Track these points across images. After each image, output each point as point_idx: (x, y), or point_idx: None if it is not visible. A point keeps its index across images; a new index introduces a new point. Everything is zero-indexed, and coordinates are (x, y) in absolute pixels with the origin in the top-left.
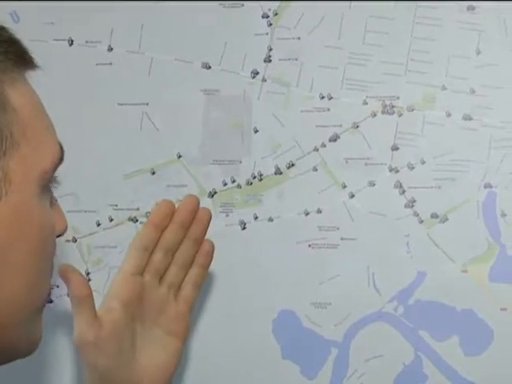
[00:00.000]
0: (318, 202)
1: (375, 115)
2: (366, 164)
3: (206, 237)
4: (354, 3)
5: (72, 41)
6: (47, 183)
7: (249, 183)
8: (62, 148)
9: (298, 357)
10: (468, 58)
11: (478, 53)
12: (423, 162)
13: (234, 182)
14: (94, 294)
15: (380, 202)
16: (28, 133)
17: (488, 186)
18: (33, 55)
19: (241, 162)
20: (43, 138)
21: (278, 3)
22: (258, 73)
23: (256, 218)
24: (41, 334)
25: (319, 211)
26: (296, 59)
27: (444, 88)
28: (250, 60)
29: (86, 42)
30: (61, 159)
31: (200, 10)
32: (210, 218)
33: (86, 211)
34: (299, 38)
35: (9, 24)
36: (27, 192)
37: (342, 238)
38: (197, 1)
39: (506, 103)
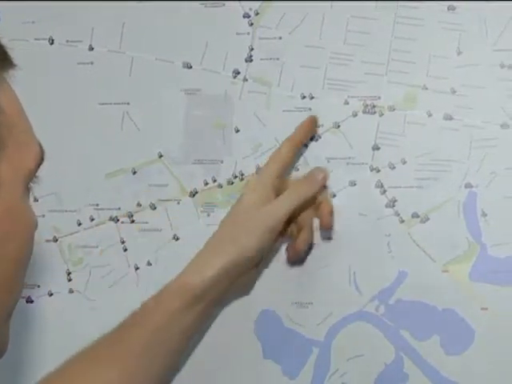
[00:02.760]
0: None
1: (356, 115)
2: (347, 164)
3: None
4: (335, 3)
5: (53, 40)
6: (29, 182)
7: (230, 183)
8: (41, 147)
9: (279, 356)
10: (449, 57)
11: (459, 53)
12: (404, 162)
13: (215, 181)
14: (74, 293)
15: (361, 201)
16: (14, 133)
17: (469, 185)
18: (13, 54)
19: (222, 162)
20: (27, 138)
21: (259, 3)
22: (239, 72)
23: None
24: (9, 336)
25: None
26: (277, 59)
27: (425, 88)
28: (232, 60)
29: (67, 41)
30: (42, 158)
31: (181, 9)
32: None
33: (66, 211)
34: (280, 38)
35: None
36: (15, 192)
37: (322, 238)
38: (178, 0)
39: (487, 103)
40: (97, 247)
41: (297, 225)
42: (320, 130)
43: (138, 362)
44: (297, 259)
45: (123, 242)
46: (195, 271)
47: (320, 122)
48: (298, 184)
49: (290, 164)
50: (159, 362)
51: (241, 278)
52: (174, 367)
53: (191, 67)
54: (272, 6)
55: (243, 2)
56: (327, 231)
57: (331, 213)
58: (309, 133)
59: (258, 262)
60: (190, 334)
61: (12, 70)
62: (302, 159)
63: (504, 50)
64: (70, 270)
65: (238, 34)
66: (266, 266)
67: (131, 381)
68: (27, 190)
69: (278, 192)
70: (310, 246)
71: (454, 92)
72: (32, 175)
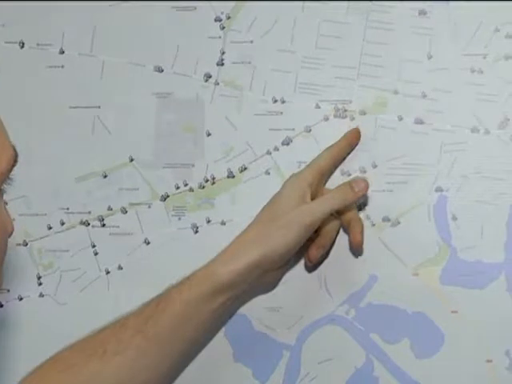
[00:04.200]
0: None
1: (328, 119)
2: None
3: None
4: (306, 7)
5: (23, 43)
6: (2, 184)
7: (201, 187)
8: (15, 150)
9: (250, 360)
10: (420, 62)
11: (430, 57)
12: (375, 166)
13: (186, 185)
14: (45, 297)
15: None
16: None
17: (439, 189)
18: None
19: (193, 166)
20: (0, 140)
21: (230, 7)
22: (210, 76)
23: (208, 221)
24: None
25: None
26: (249, 63)
27: (396, 92)
28: (203, 63)
29: (38, 44)
30: (16, 161)
31: (153, 13)
32: None
33: (37, 214)
34: (252, 42)
35: None
36: None
37: None
38: (149, 1)
39: (457, 107)
40: (67, 251)
41: (320, 231)
42: (291, 134)
43: (154, 346)
44: (310, 265)
45: (94, 246)
46: (225, 262)
47: (291, 126)
48: (341, 189)
49: (328, 173)
50: (171, 348)
51: (267, 275)
52: (185, 359)
53: (162, 71)
54: (243, 9)
55: (215, 6)
56: (357, 248)
57: (362, 231)
58: (351, 145)
59: (286, 261)
60: (206, 326)
61: None
62: (272, 163)
63: (474, 54)
64: (41, 274)
65: (209, 37)
66: (292, 266)
67: (141, 365)
68: (0, 192)
69: (315, 197)
70: (326, 254)
71: (424, 96)
72: (5, 177)
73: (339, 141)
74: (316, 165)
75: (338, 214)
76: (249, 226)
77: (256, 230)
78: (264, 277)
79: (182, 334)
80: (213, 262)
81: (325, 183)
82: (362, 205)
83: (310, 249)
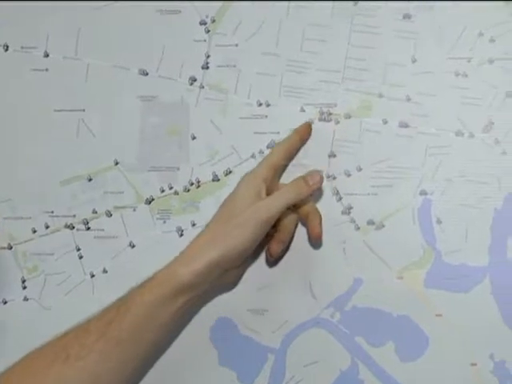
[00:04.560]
0: None
1: (312, 122)
2: (303, 171)
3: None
4: (291, 9)
5: (7, 46)
6: None
7: (186, 190)
8: None
9: (234, 363)
10: (404, 65)
11: (414, 61)
12: (360, 169)
13: (171, 188)
14: (29, 301)
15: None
16: None
17: (423, 192)
18: None
19: (178, 169)
20: None
21: (215, 10)
22: (195, 79)
23: (193, 224)
24: None
25: None
26: (234, 66)
27: (381, 95)
28: (188, 67)
29: (22, 47)
30: None
31: (137, 16)
32: None
33: (21, 218)
34: (237, 45)
35: None
36: None
37: None
38: (134, 1)
39: (442, 111)
40: (52, 254)
41: (279, 226)
42: (276, 138)
43: (117, 349)
44: (272, 260)
45: (79, 250)
46: (185, 262)
47: (276, 130)
48: (296, 183)
49: (282, 168)
50: (134, 350)
51: (227, 273)
52: (147, 362)
53: (147, 74)
54: (228, 13)
55: (200, 9)
56: (316, 240)
57: (321, 223)
58: (302, 139)
59: (246, 259)
60: (168, 327)
61: None
62: None
63: (458, 58)
64: (25, 278)
65: (194, 40)
66: (250, 264)
67: (105, 369)
68: None
69: (271, 192)
70: (286, 249)
71: (409, 100)
72: None
73: (291, 135)
74: (269, 160)
75: (294, 207)
76: (206, 226)
77: (213, 229)
78: (224, 276)
79: (144, 336)
80: (173, 263)
81: (279, 178)
82: (347, 208)
83: (270, 244)
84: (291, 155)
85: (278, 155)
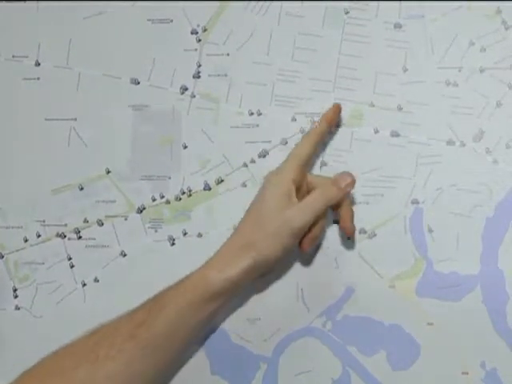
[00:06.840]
0: None
1: (304, 131)
2: None
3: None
4: (282, 18)
5: None
6: None
7: (178, 199)
8: None
9: (226, 372)
10: (395, 75)
11: (405, 70)
12: None
13: (162, 197)
14: (21, 310)
15: None
16: None
17: (415, 201)
18: None
19: (170, 178)
20: None
21: (206, 19)
22: (187, 89)
23: (185, 233)
24: None
25: None
26: (225, 75)
27: (372, 105)
28: (179, 76)
29: (13, 56)
30: None
31: (128, 25)
32: None
33: (13, 227)
34: (228, 54)
35: None
36: None
37: None
38: (126, 9)
39: (433, 120)
40: (43, 264)
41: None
42: (268, 147)
43: (147, 352)
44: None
45: (70, 259)
46: (219, 268)
47: (267, 139)
48: (326, 188)
49: (311, 162)
50: (163, 354)
51: (257, 280)
52: (174, 366)
53: (139, 83)
54: (220, 22)
55: (191, 18)
56: (349, 237)
57: (353, 219)
58: (332, 122)
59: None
60: (198, 332)
61: None
62: (249, 175)
63: (449, 67)
64: (17, 287)
65: (185, 50)
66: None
67: (133, 372)
68: None
69: (300, 188)
70: (318, 246)
71: (400, 109)
72: None
73: (319, 124)
74: (297, 157)
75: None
76: (236, 229)
77: (245, 234)
78: (255, 281)
79: (174, 340)
80: (205, 267)
81: (308, 171)
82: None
83: (303, 241)
84: (319, 146)
85: (306, 150)
